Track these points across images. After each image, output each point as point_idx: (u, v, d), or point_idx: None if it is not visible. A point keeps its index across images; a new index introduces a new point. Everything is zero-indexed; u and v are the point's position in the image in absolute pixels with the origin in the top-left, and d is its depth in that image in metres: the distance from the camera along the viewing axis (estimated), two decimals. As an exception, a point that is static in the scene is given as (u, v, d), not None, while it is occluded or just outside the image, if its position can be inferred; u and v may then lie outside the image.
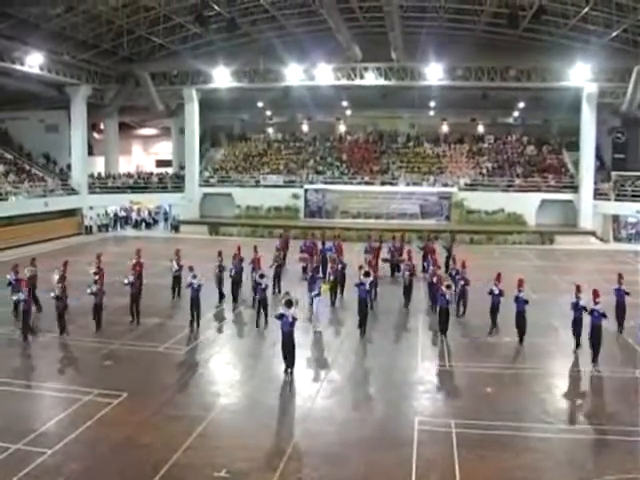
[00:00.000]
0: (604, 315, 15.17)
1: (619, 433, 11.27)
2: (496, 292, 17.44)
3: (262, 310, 18.24)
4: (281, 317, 14.25)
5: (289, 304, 14.31)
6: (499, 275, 17.95)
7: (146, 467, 9.96)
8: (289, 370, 14.36)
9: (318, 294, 18.33)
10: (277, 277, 22.29)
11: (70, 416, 11.83)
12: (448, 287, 17.15)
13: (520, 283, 16.96)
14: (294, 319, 14.34)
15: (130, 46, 36.76)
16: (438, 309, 17.44)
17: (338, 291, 21.59)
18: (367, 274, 18.00)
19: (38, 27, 31.41)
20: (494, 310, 17.58)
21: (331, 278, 21.33)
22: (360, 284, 17.65)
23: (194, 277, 18.07)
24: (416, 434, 11.22)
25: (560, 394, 13.55)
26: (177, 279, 21.35)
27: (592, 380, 14.30)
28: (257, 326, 18.19)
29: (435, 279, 19.56)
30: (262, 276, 18.21)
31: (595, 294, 15.47)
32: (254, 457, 10.37)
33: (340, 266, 21.78)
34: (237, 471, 9.91)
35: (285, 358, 14.39)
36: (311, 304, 18.78)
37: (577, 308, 15.70)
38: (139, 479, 9.61)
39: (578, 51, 35.01)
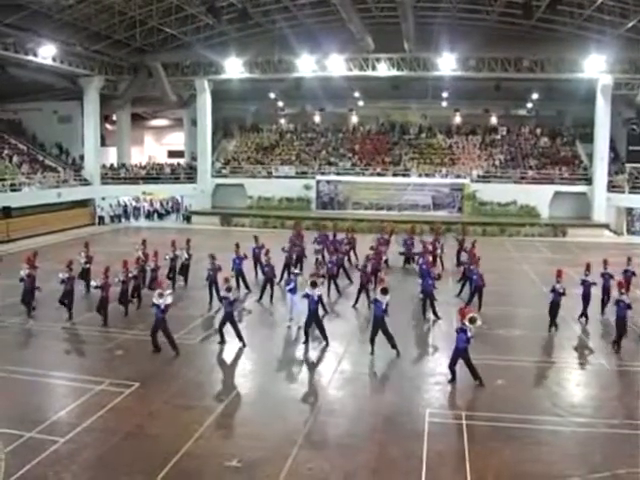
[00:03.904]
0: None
1: (630, 427, 11.19)
2: (560, 290, 16.68)
3: (229, 326, 15.71)
4: (307, 297, 15.62)
5: (314, 285, 15.74)
6: (560, 272, 17.13)
7: (157, 457, 10.03)
8: (306, 344, 15.79)
9: (293, 289, 17.38)
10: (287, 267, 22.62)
11: (82, 405, 11.92)
12: (472, 321, 12.91)
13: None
14: (319, 297, 16.00)
15: (143, 37, 36.86)
16: (454, 348, 13.34)
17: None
18: (384, 291, 15.16)
19: (51, 18, 31.58)
20: (553, 308, 16.93)
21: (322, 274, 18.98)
22: (375, 301, 15.22)
23: (160, 296, 14.96)
24: (427, 426, 11.22)
25: (571, 387, 13.49)
26: (184, 267, 22.48)
27: (603, 373, 14.22)
28: (221, 342, 15.89)
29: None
30: (229, 289, 15.77)
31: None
32: (265, 447, 10.41)
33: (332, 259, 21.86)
34: (248, 461, 9.95)
35: (306, 333, 15.86)
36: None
37: (619, 305, 15.54)
38: (150, 468, 9.67)
39: (593, 42, 34.65)
